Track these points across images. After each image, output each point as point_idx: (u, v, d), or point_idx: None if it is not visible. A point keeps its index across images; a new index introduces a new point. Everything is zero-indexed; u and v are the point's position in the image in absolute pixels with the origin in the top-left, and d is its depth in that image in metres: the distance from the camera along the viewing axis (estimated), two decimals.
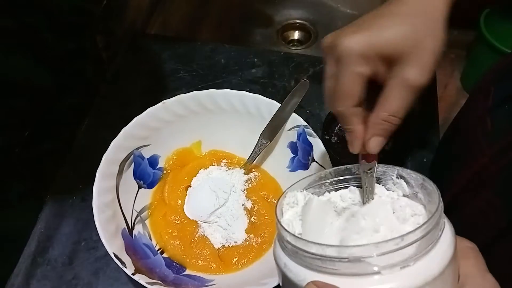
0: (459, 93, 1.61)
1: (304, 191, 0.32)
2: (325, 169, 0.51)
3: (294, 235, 0.27)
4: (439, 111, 0.67)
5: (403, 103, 0.34)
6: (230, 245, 0.53)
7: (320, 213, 0.32)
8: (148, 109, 0.56)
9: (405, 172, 0.30)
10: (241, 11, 0.99)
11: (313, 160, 0.54)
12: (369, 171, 0.34)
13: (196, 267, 0.51)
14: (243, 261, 0.51)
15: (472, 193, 0.44)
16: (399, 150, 0.60)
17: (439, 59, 0.35)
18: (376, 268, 0.24)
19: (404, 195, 0.30)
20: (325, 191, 0.33)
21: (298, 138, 0.56)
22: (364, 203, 0.33)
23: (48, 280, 0.53)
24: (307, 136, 0.54)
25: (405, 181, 0.30)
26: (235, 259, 0.51)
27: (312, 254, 0.25)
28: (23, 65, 0.53)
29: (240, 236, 0.53)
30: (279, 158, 0.58)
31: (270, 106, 0.56)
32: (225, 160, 0.60)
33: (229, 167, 0.59)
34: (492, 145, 0.42)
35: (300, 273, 0.26)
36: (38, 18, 0.54)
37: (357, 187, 0.33)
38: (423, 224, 0.25)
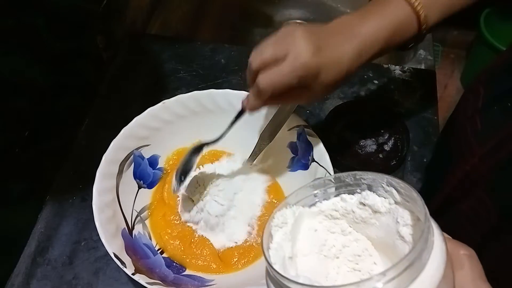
0: (459, 93, 1.61)
1: (294, 206, 0.32)
2: (324, 169, 0.51)
3: (281, 275, 0.25)
4: (439, 111, 0.67)
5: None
6: (230, 245, 0.53)
7: (311, 229, 0.31)
8: (148, 109, 0.56)
9: (394, 181, 0.29)
10: (241, 11, 0.99)
11: (313, 160, 0.54)
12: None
13: (196, 267, 0.51)
14: (243, 261, 0.51)
15: (464, 193, 0.44)
16: (399, 150, 0.60)
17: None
18: None
19: (396, 202, 0.30)
20: (316, 202, 0.33)
21: (298, 138, 0.56)
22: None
23: (48, 280, 0.53)
24: (307, 136, 0.54)
25: (395, 189, 0.30)
26: (235, 259, 0.51)
27: None
28: (23, 65, 0.53)
29: (240, 236, 0.53)
30: (279, 158, 0.58)
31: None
32: (225, 160, 0.60)
33: (229, 167, 0.59)
34: (482, 145, 0.42)
35: None
36: (38, 18, 0.54)
37: (348, 194, 0.33)
38: (406, 255, 0.24)
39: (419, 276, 0.24)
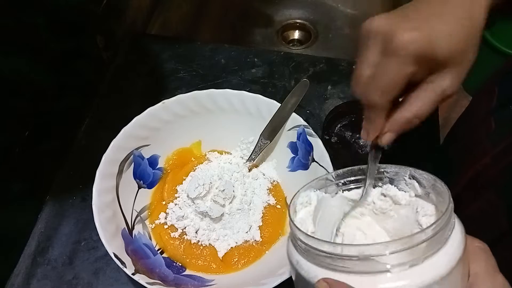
0: (459, 93, 1.61)
1: (318, 190, 0.33)
2: (324, 169, 0.51)
3: (306, 233, 0.27)
4: (439, 111, 0.67)
5: (430, 108, 0.34)
6: (230, 245, 0.53)
7: (333, 212, 0.32)
8: (148, 109, 0.56)
9: (417, 172, 0.30)
10: (241, 11, 0.99)
11: (313, 160, 0.54)
12: (375, 159, 0.35)
13: (196, 267, 0.51)
14: (243, 261, 0.51)
15: (474, 193, 0.44)
16: (399, 150, 0.60)
17: None
18: (386, 266, 0.24)
19: (416, 195, 0.30)
20: (338, 191, 0.34)
21: (298, 138, 0.56)
22: (366, 187, 0.33)
23: (48, 280, 0.53)
24: (307, 136, 0.54)
25: (417, 181, 0.30)
26: (235, 259, 0.51)
27: (323, 252, 0.26)
28: (23, 65, 0.53)
29: (240, 236, 0.53)
30: (279, 158, 0.58)
31: (270, 106, 0.56)
32: (225, 160, 0.60)
33: (229, 168, 0.59)
34: (495, 145, 0.42)
35: (311, 270, 0.27)
36: (38, 18, 0.54)
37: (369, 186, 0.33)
38: (433, 224, 0.25)
39: (442, 249, 0.25)
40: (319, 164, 0.53)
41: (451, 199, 0.27)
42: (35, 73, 0.56)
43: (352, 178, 0.34)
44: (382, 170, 0.32)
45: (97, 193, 0.49)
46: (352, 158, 0.60)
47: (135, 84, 0.71)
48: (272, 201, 0.56)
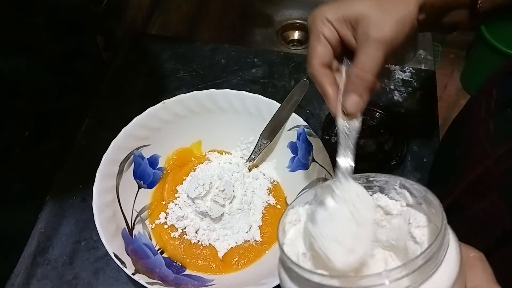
0: (459, 93, 1.61)
1: (306, 205, 0.31)
2: (324, 169, 0.51)
3: (296, 264, 0.25)
4: (439, 111, 0.67)
5: (372, 59, 0.36)
6: (230, 245, 0.53)
7: (325, 225, 0.31)
8: (148, 109, 0.56)
9: (408, 183, 0.29)
10: (241, 11, 0.99)
11: (313, 160, 0.54)
12: (348, 134, 0.36)
13: (196, 267, 0.51)
14: (243, 261, 0.51)
15: (476, 195, 0.44)
16: (399, 150, 0.60)
17: (408, 33, 0.37)
18: None
19: (408, 205, 0.30)
20: (328, 198, 0.33)
21: (298, 138, 0.56)
22: (338, 156, 0.34)
23: (48, 280, 0.53)
24: (307, 136, 0.54)
25: (408, 191, 0.30)
26: (235, 259, 0.51)
27: (316, 283, 0.25)
28: (23, 65, 0.53)
29: (240, 236, 0.53)
30: (279, 158, 0.58)
31: (270, 106, 0.56)
32: (225, 160, 0.60)
33: (229, 168, 0.59)
34: (496, 147, 0.42)
35: None
36: (38, 18, 0.54)
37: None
38: (429, 246, 0.24)
39: (435, 274, 0.24)
40: (319, 164, 0.53)
41: (444, 214, 0.26)
42: (35, 73, 0.56)
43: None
44: (372, 179, 0.31)
45: (97, 193, 0.49)
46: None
47: (135, 84, 0.71)
48: (272, 201, 0.56)
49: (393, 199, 0.30)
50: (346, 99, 0.37)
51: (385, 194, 0.31)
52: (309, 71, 0.39)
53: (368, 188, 0.31)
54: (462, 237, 0.28)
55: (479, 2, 0.41)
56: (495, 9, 0.42)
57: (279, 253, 0.27)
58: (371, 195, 0.31)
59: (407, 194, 0.29)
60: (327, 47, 0.38)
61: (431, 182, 0.59)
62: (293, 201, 0.31)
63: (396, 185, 0.30)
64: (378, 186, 0.31)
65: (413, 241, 0.28)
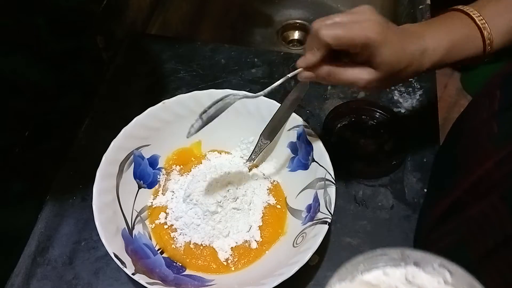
0: (459, 93, 1.61)
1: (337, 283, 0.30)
2: (324, 169, 0.51)
3: None
4: (439, 111, 0.67)
5: (336, 81, 0.45)
6: (230, 245, 0.53)
7: None
8: (148, 109, 0.56)
9: (449, 264, 0.28)
10: (241, 11, 0.99)
11: (313, 160, 0.54)
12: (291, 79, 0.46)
13: (196, 267, 0.51)
14: (243, 261, 0.51)
15: (476, 197, 0.44)
16: (399, 150, 0.60)
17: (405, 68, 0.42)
18: None
19: (445, 282, 0.29)
20: (359, 274, 0.31)
21: (298, 138, 0.56)
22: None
23: (48, 280, 0.53)
24: (307, 136, 0.54)
25: (448, 271, 0.29)
26: (235, 259, 0.51)
27: None
28: (23, 65, 0.53)
29: (240, 236, 0.53)
30: (279, 158, 0.58)
31: (270, 106, 0.56)
32: (224, 160, 0.60)
33: (229, 167, 0.59)
34: (498, 149, 0.42)
35: None
36: (38, 18, 0.54)
37: (392, 267, 0.31)
38: None
39: None
40: (319, 164, 0.53)
41: None
42: (35, 73, 0.56)
43: (372, 260, 0.31)
44: (406, 254, 0.30)
45: (97, 193, 0.49)
46: (352, 158, 0.60)
47: (135, 84, 0.71)
48: (272, 201, 0.56)
49: (429, 274, 0.29)
50: (305, 73, 0.46)
51: (421, 268, 0.30)
52: (329, 40, 0.41)
53: (401, 260, 0.30)
54: (461, 238, 0.27)
55: (488, 48, 0.44)
56: (505, 44, 0.45)
57: None
58: (403, 267, 0.30)
59: (447, 273, 0.28)
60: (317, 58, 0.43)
61: (431, 181, 0.59)
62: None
63: (434, 263, 0.29)
64: (414, 262, 0.30)
65: None
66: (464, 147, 0.50)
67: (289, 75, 0.46)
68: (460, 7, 0.46)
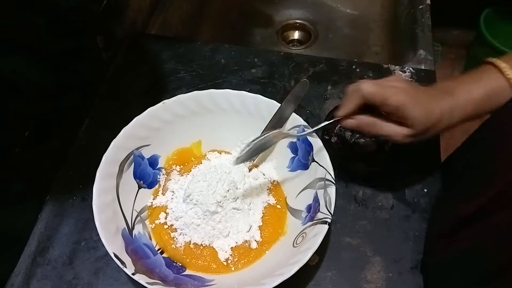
0: None
1: None
2: (324, 169, 0.51)
3: None
4: None
5: (370, 133, 0.51)
6: (230, 245, 0.53)
7: None
8: (148, 109, 0.56)
9: None
10: (241, 11, 0.99)
11: (313, 160, 0.54)
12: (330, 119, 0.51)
13: (196, 267, 0.51)
14: (243, 261, 0.51)
15: (502, 206, 0.43)
16: (399, 151, 0.60)
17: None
18: None
19: None
20: None
21: (298, 138, 0.56)
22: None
23: (48, 280, 0.53)
24: (307, 136, 0.54)
25: None
26: (235, 259, 0.51)
27: None
28: (23, 65, 0.53)
29: (240, 236, 0.53)
30: (279, 158, 0.58)
31: (270, 106, 0.56)
32: (225, 160, 0.60)
33: (229, 167, 0.59)
34: None
35: None
36: (38, 18, 0.54)
37: None
38: None
39: None
40: (319, 164, 0.53)
41: None
42: (35, 73, 0.56)
43: None
44: None
45: (97, 193, 0.49)
46: (352, 158, 0.60)
47: (135, 84, 0.71)
48: (272, 201, 0.56)
49: None
50: (349, 121, 0.51)
51: None
52: (359, 92, 0.47)
53: None
54: (482, 244, 0.27)
55: None
56: None
57: None
58: None
59: None
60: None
61: (446, 185, 0.58)
62: None
63: None
64: None
65: None
66: (492, 153, 0.49)
67: (326, 122, 0.52)
68: (490, 59, 0.49)
